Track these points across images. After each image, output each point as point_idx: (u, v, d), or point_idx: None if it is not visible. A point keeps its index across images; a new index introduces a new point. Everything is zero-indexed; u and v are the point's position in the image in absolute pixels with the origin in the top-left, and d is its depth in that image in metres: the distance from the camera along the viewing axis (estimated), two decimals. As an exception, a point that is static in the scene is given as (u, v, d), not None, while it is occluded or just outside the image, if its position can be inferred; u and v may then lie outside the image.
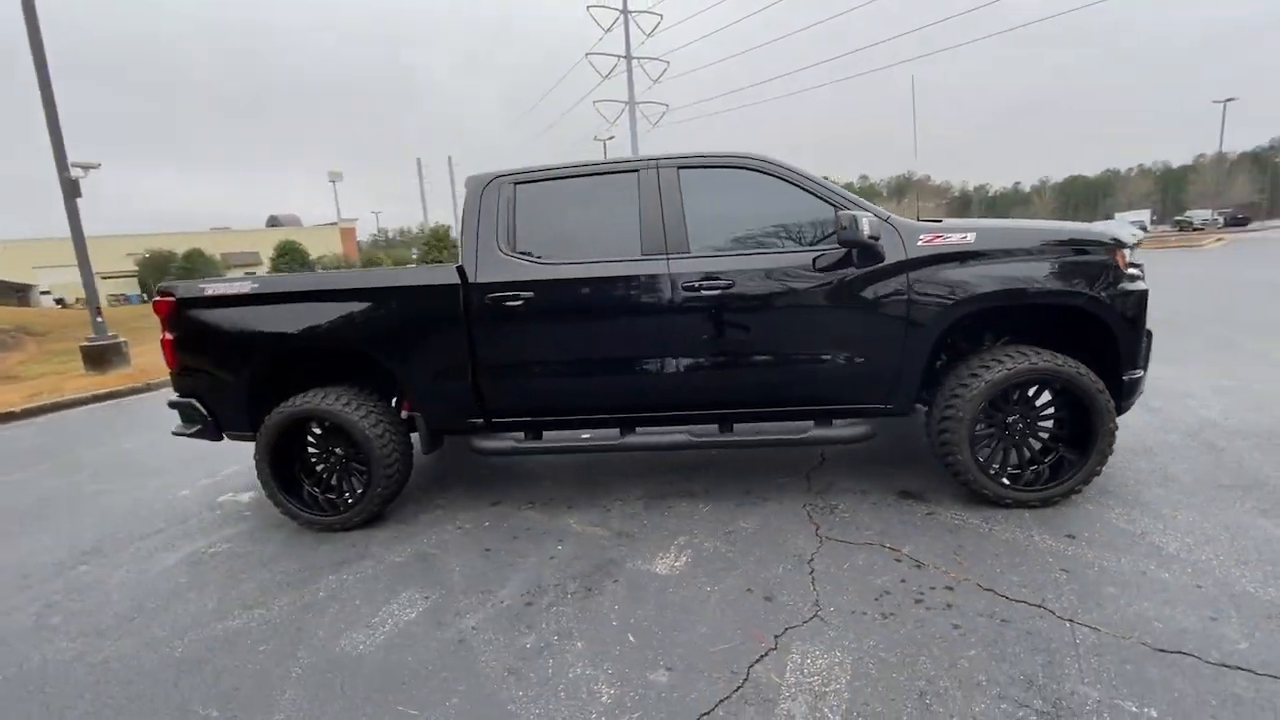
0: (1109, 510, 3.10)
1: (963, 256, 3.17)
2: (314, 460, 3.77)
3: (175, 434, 3.90)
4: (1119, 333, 3.16)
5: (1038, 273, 3.15)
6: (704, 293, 3.27)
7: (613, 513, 3.54)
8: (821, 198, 3.31)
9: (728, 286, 3.25)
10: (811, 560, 2.84)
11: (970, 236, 3.18)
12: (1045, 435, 3.27)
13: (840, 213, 3.06)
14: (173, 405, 3.84)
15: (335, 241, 47.11)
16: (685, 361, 3.36)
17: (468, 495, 4.00)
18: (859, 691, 2.02)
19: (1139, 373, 3.24)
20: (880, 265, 3.18)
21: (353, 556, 3.26)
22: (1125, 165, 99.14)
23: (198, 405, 3.74)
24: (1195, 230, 42.45)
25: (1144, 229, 38.87)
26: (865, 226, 3.01)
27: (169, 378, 3.84)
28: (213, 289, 3.65)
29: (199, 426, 3.78)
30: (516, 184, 3.55)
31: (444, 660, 2.34)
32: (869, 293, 3.20)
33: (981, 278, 3.15)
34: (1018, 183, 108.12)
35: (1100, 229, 3.39)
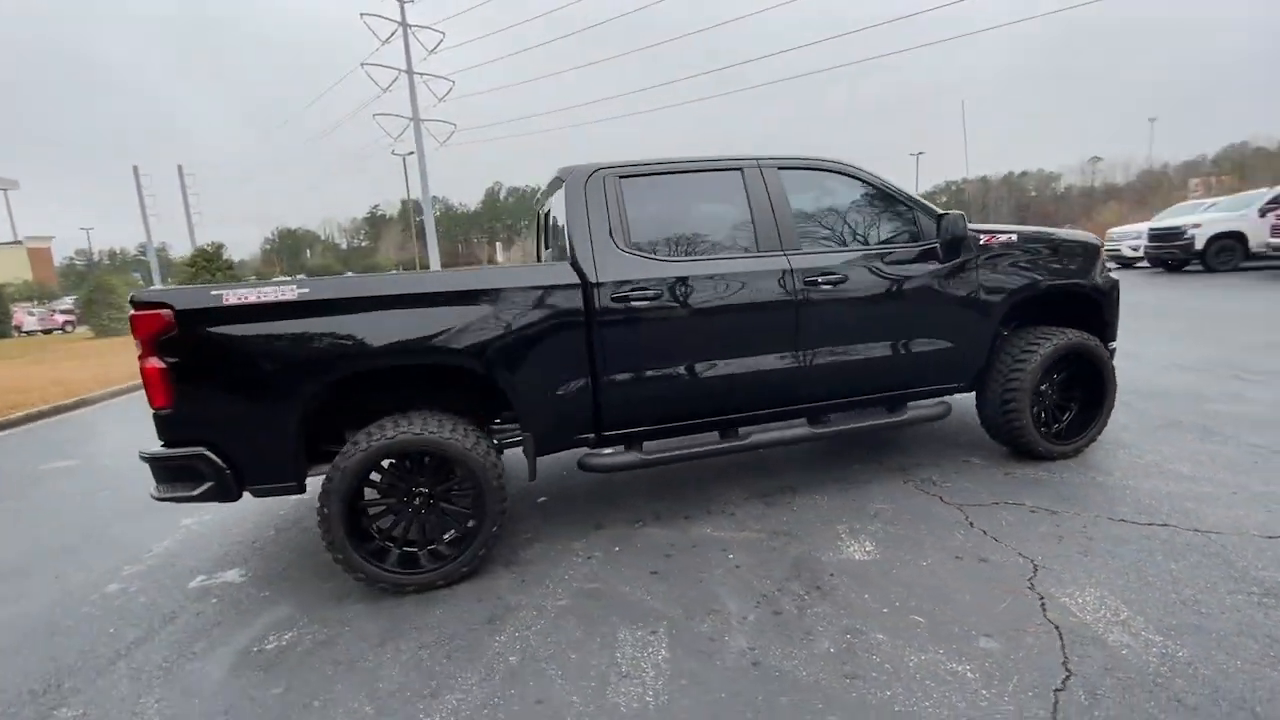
0: (1119, 450, 3.92)
1: (1010, 253, 3.78)
2: (380, 506, 3.00)
3: (160, 499, 2.80)
4: (1106, 312, 4.04)
5: (1064, 265, 3.89)
6: (822, 287, 3.39)
7: (737, 516, 3.43)
8: (900, 199, 3.68)
9: (840, 281, 3.42)
10: (971, 524, 3.12)
11: (1014, 236, 3.81)
12: (1069, 398, 4.01)
13: (950, 213, 3.47)
14: (159, 460, 2.77)
15: (23, 265, 36.41)
16: (802, 355, 3.43)
17: (548, 523, 3.52)
18: (1139, 605, 2.31)
19: (1114, 344, 4.16)
20: (961, 260, 3.64)
21: (497, 611, 2.68)
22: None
23: (209, 456, 2.75)
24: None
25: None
26: (966, 226, 3.45)
27: (152, 422, 2.75)
28: (236, 297, 2.74)
29: (207, 485, 2.77)
30: (621, 177, 3.29)
31: (763, 687, 2.08)
32: (954, 284, 3.63)
33: (1025, 270, 3.79)
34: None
35: (1084, 235, 4.30)
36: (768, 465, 4.15)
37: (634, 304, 3.12)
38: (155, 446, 2.85)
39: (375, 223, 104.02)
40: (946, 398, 3.85)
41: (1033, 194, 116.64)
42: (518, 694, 2.15)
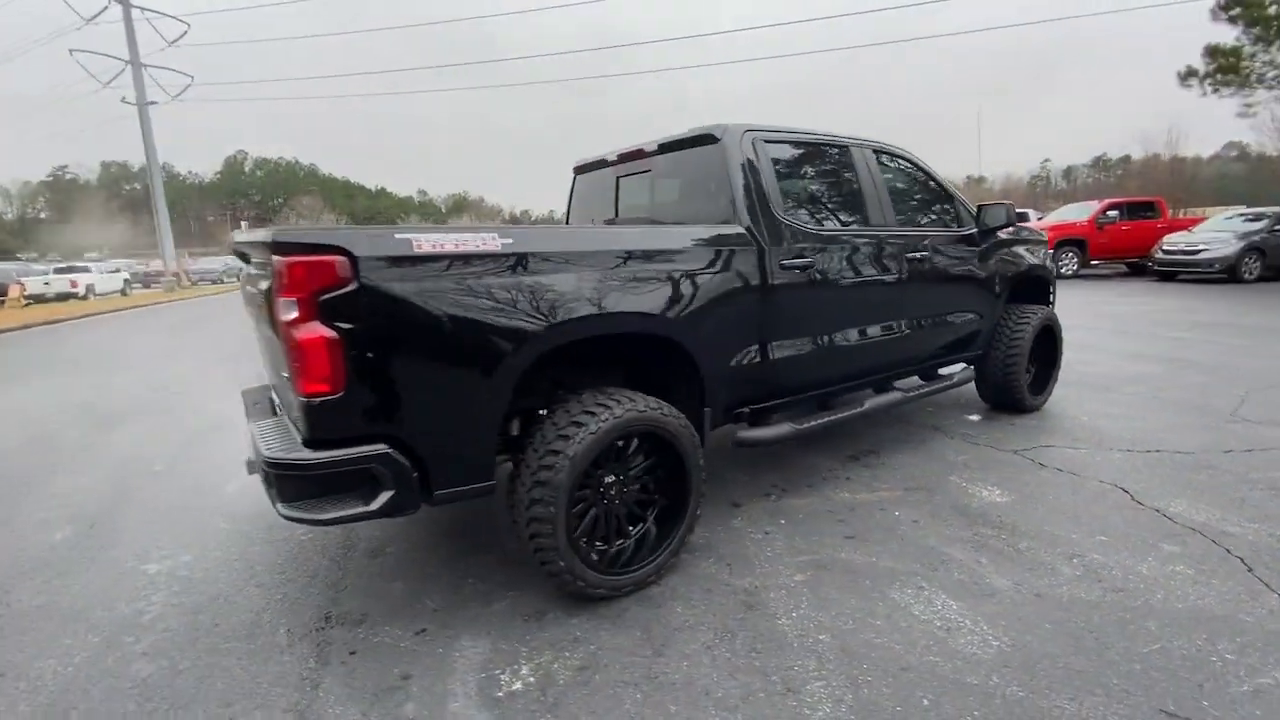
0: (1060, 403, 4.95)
1: (1014, 241, 4.53)
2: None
3: (301, 519, 2.00)
4: (1051, 290, 5.05)
5: (1035, 251, 4.77)
6: (918, 260, 3.71)
7: (853, 480, 3.59)
8: (945, 189, 4.18)
9: (925, 257, 3.78)
10: (1041, 464, 3.70)
11: (1014, 229, 4.56)
12: (1032, 360, 4.91)
13: (992, 205, 4.04)
14: (321, 467, 1.98)
15: None
16: (902, 323, 3.71)
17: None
18: (1232, 504, 3.02)
19: (1049, 317, 5.22)
20: (990, 244, 4.26)
21: (741, 597, 2.46)
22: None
23: (394, 455, 2.05)
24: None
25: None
26: (1009, 216, 4.06)
27: (304, 418, 1.95)
28: (431, 244, 2.09)
29: (387, 496, 2.06)
30: (766, 140, 3.19)
31: (1074, 610, 2.28)
32: (985, 266, 4.24)
33: (1021, 256, 4.57)
34: (551, 210, 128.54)
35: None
36: (829, 434, 4.37)
37: (799, 269, 3.08)
38: (270, 448, 2.06)
39: (62, 189, 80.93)
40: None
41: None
42: (871, 666, 2.05)
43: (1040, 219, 17.86)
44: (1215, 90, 16.42)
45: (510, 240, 2.25)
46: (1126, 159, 67.53)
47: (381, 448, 2.03)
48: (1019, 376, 4.47)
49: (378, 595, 2.60)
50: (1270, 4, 14.54)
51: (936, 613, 2.32)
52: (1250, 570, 2.49)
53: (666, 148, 3.36)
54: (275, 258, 1.92)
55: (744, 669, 2.05)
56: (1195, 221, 15.40)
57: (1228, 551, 2.63)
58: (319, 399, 1.95)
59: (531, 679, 2.05)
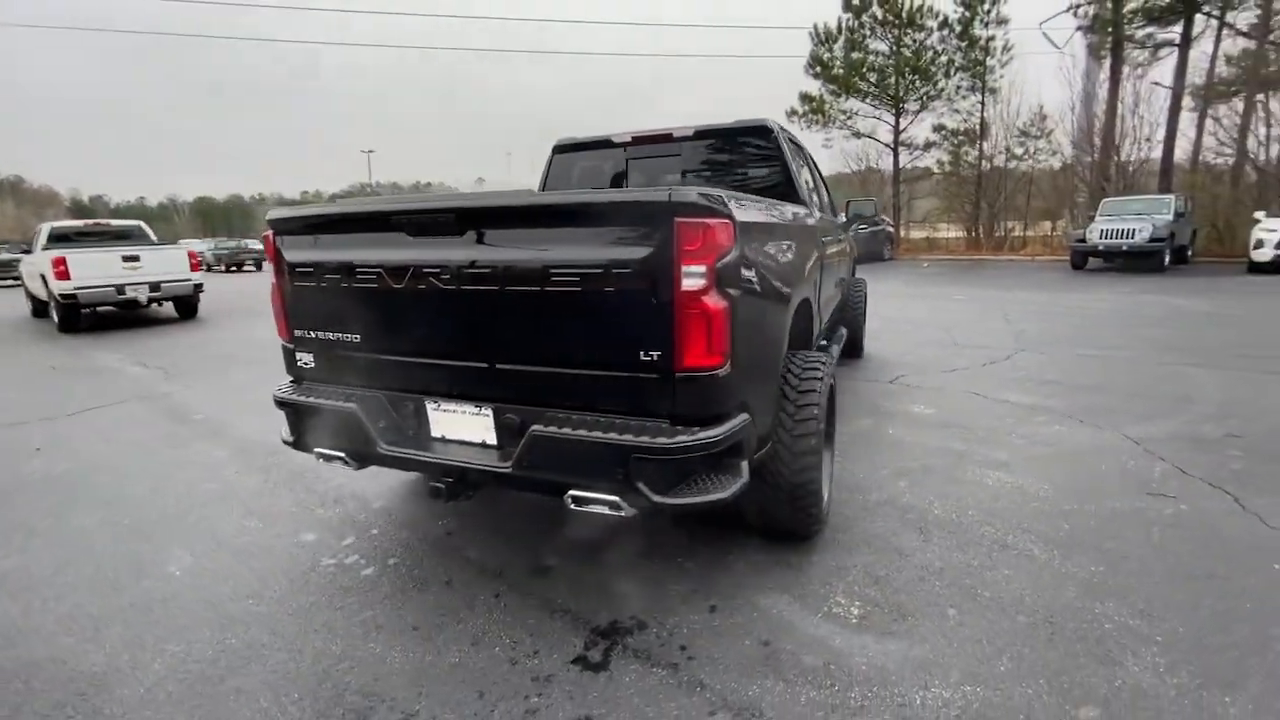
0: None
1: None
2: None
3: (683, 505, 1.80)
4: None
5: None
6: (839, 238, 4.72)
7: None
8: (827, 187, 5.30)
9: (840, 240, 4.81)
10: (918, 388, 5.11)
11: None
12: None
13: (860, 200, 5.30)
14: (713, 444, 1.82)
15: None
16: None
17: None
18: (1033, 391, 4.78)
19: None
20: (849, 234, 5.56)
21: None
22: (250, 193, 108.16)
23: (753, 427, 2.00)
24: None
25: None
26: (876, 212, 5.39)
27: (691, 396, 1.75)
28: (763, 210, 2.08)
29: (743, 476, 1.98)
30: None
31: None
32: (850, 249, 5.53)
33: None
34: (142, 197, 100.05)
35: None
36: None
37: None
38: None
39: None
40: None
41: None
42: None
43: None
44: (809, 126, 22.73)
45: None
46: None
47: (745, 418, 1.98)
48: (861, 333, 5.97)
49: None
50: (838, 69, 20.78)
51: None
52: (1071, 417, 4.14)
53: (705, 134, 3.59)
54: (678, 219, 1.71)
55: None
56: None
57: (1053, 411, 4.29)
58: (714, 372, 1.82)
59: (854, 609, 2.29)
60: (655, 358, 1.81)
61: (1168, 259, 14.23)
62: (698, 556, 2.62)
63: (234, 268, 27.31)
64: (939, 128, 21.42)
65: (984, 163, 21.46)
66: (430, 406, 2.22)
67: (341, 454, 2.28)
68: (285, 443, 2.50)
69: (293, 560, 2.72)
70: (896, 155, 22.29)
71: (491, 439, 2.13)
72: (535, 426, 1.91)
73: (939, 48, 20.02)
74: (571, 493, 1.93)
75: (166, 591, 2.50)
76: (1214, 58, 21.71)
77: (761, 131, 3.48)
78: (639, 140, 3.71)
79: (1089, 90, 22.48)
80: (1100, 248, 14.38)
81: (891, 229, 19.56)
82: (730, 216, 1.81)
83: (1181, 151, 21.73)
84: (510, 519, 3.03)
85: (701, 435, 1.80)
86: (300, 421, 2.39)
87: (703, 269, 1.73)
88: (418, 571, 2.59)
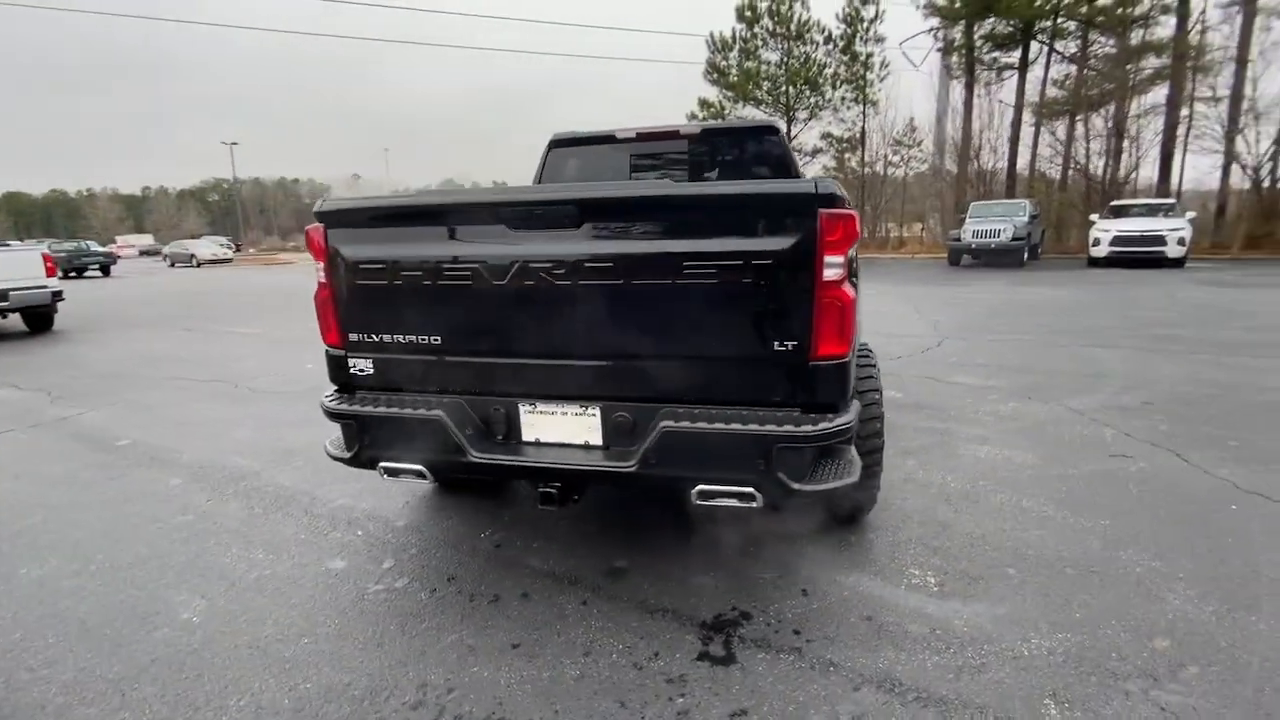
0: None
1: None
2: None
3: (825, 491, 1.85)
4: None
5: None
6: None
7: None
8: None
9: None
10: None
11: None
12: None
13: None
14: (836, 436, 1.87)
15: None
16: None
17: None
18: (974, 372, 5.30)
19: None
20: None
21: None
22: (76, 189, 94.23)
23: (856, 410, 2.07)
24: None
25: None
26: None
27: (822, 384, 1.78)
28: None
29: (855, 450, 2.07)
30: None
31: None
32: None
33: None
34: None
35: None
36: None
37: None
38: None
39: None
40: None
41: (307, 202, 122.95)
42: (1023, 487, 3.19)
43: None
44: (708, 130, 23.53)
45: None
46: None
47: (858, 404, 2.06)
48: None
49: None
50: (734, 76, 21.72)
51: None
52: (1018, 394, 4.66)
53: (713, 133, 3.65)
54: (822, 211, 1.75)
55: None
56: None
57: (1001, 390, 4.80)
58: (839, 361, 1.88)
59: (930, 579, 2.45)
60: (790, 347, 1.84)
61: (1025, 255, 16.26)
62: (763, 545, 2.68)
63: (74, 273, 23.64)
64: (826, 135, 23.04)
65: (865, 169, 23.34)
66: (525, 409, 2.10)
67: (418, 467, 2.10)
68: (336, 458, 2.25)
69: (331, 591, 2.45)
70: (789, 160, 23.72)
71: (596, 439, 2.06)
72: (666, 423, 1.87)
73: (825, 61, 21.52)
74: (700, 488, 1.91)
75: (193, 641, 2.17)
76: (1045, 80, 25.09)
77: (769, 131, 3.60)
78: (644, 137, 3.70)
79: (943, 106, 25.11)
80: (973, 246, 16.13)
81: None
82: (853, 209, 1.88)
83: (1024, 160, 24.88)
84: (554, 525, 2.92)
85: (837, 421, 1.86)
86: (365, 434, 2.16)
87: (841, 259, 1.79)
88: (484, 588, 2.43)
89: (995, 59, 25.32)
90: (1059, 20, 22.25)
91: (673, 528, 2.83)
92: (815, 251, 1.77)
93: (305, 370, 6.26)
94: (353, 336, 2.18)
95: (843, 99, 22.06)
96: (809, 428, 1.82)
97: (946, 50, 25.02)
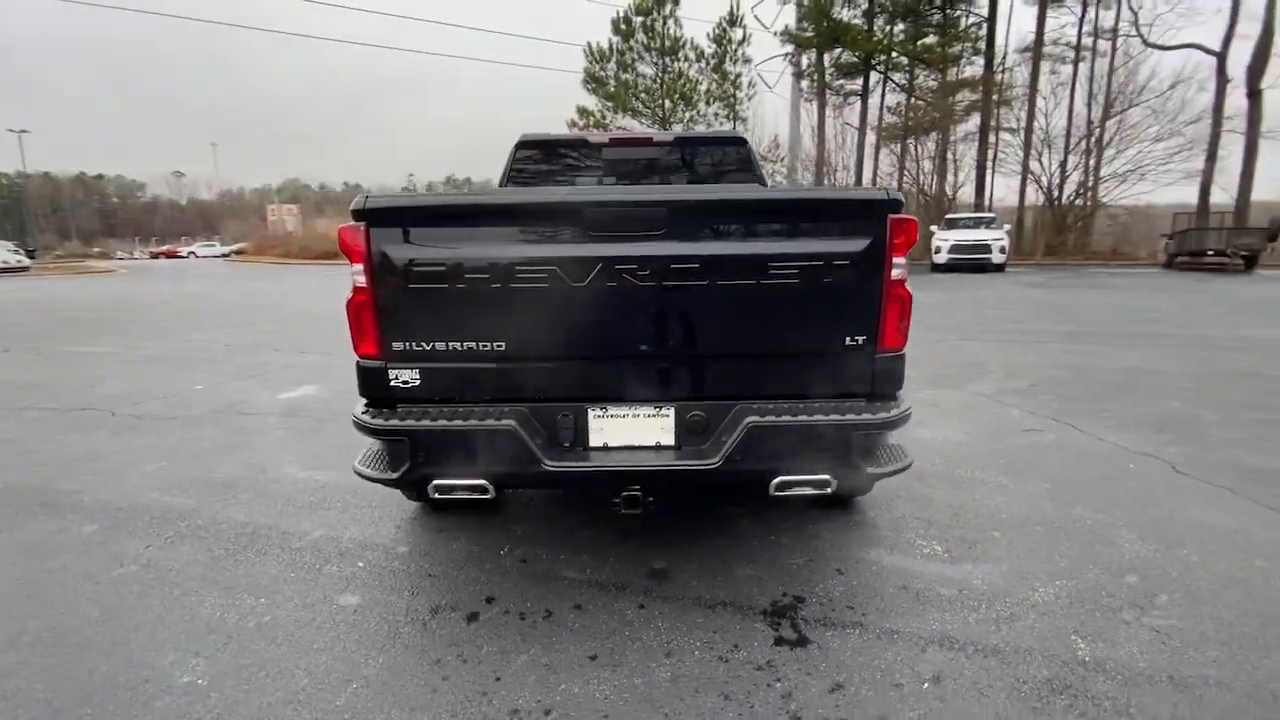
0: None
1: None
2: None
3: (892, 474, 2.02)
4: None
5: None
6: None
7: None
8: None
9: None
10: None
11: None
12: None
13: None
14: (899, 422, 2.05)
15: None
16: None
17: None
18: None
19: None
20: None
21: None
22: None
23: None
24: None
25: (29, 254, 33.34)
26: None
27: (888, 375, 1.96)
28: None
29: None
30: None
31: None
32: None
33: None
34: None
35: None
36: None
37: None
38: None
39: None
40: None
41: (115, 200, 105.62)
42: (972, 462, 3.64)
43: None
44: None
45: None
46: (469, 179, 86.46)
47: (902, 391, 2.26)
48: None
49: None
50: (613, 87, 22.12)
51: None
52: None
53: (685, 141, 3.76)
54: (891, 216, 1.91)
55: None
56: None
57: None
58: (898, 353, 2.07)
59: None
60: (860, 341, 2.00)
61: (882, 262, 18.18)
62: (780, 533, 2.82)
63: None
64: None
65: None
66: (594, 414, 2.05)
67: (481, 482, 1.98)
68: (374, 479, 2.05)
69: (357, 629, 2.22)
70: (667, 171, 24.56)
71: (668, 440, 2.07)
72: (751, 418, 1.94)
73: (698, 78, 22.61)
74: (780, 479, 2.00)
75: (211, 707, 1.87)
76: (881, 107, 28.31)
77: (738, 142, 3.78)
78: (618, 143, 3.73)
79: (795, 126, 27.21)
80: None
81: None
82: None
83: (868, 177, 27.78)
84: (570, 535, 2.85)
85: (899, 410, 2.04)
86: (419, 450, 1.99)
87: (903, 260, 1.97)
88: (530, 604, 2.33)
89: (842, 85, 28.13)
90: (892, 55, 25.19)
91: (689, 527, 2.89)
92: (884, 253, 1.93)
93: (195, 392, 5.49)
94: (396, 345, 2.01)
95: (715, 114, 23.29)
96: (883, 415, 1.98)
97: (800, 75, 27.32)
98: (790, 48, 25.51)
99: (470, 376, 2.03)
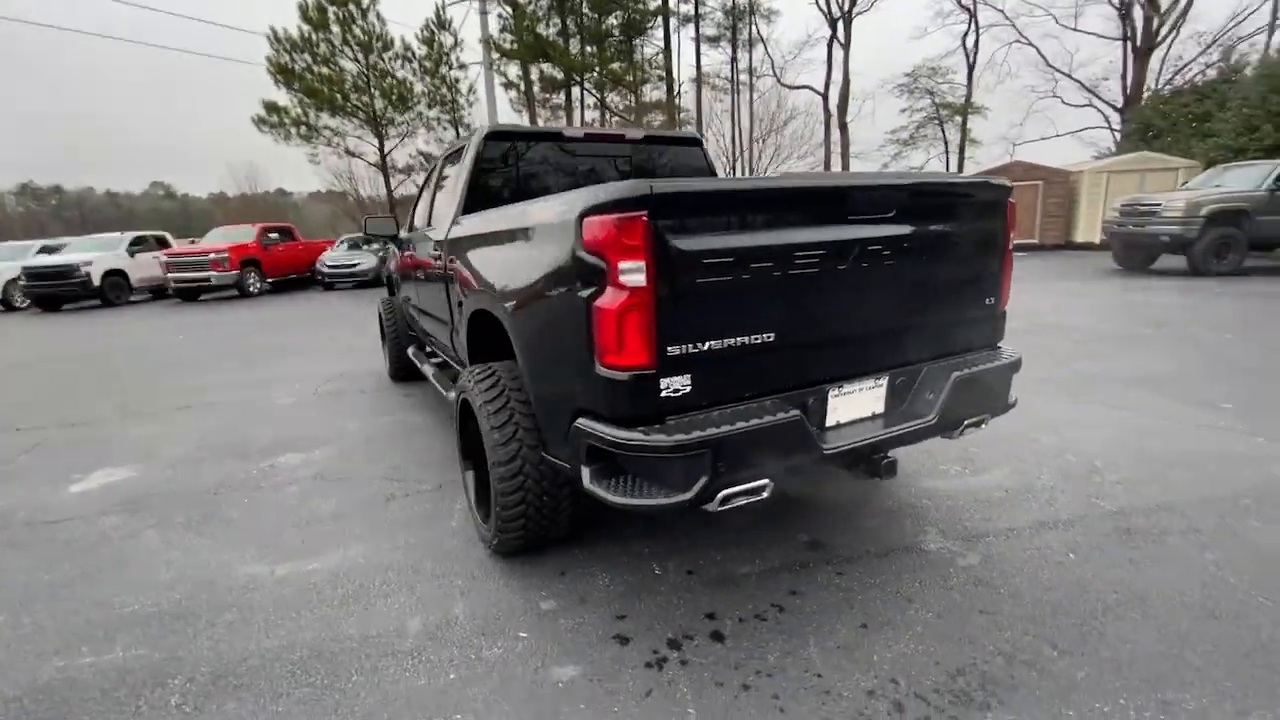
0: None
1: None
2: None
3: None
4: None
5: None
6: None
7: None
8: None
9: None
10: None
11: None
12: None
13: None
14: None
15: None
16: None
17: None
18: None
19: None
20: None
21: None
22: None
23: None
24: None
25: None
26: None
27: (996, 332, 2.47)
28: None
29: None
30: None
31: None
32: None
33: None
34: None
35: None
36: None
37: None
38: None
39: None
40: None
41: None
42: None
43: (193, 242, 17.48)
44: (285, 139, 20.25)
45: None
46: (58, 188, 65.80)
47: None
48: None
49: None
50: (312, 80, 19.32)
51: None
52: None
53: (653, 140, 3.80)
54: (1009, 200, 2.41)
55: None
56: (330, 243, 19.05)
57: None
58: (1005, 311, 2.61)
59: (952, 467, 3.41)
60: (992, 302, 2.47)
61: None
62: (881, 487, 3.18)
63: None
64: (424, 154, 22.75)
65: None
66: (832, 394, 2.12)
67: (765, 481, 1.89)
68: (667, 507, 1.78)
69: (504, 678, 1.89)
70: (387, 177, 22.48)
71: (880, 408, 2.25)
72: (956, 373, 2.25)
73: (412, 80, 21.21)
74: (966, 423, 2.36)
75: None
76: (583, 121, 30.53)
77: (696, 143, 3.98)
78: (592, 138, 3.61)
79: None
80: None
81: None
82: None
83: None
84: (685, 532, 2.77)
85: (1016, 354, 2.58)
86: (719, 460, 1.78)
87: (1012, 235, 2.51)
88: (600, 629, 2.19)
89: (548, 99, 29.49)
90: (595, 72, 27.40)
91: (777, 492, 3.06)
92: (1007, 230, 2.44)
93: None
94: (672, 350, 1.77)
95: (438, 119, 22.20)
96: (1013, 359, 2.49)
97: (508, 85, 27.81)
98: (496, 56, 25.73)
99: (741, 373, 1.91)
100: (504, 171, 3.44)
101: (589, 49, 28.31)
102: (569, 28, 28.34)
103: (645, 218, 1.67)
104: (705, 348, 1.83)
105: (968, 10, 28.61)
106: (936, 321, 2.34)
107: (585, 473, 1.92)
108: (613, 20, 28.47)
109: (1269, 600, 2.16)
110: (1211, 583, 2.27)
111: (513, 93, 28.27)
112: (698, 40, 31.00)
